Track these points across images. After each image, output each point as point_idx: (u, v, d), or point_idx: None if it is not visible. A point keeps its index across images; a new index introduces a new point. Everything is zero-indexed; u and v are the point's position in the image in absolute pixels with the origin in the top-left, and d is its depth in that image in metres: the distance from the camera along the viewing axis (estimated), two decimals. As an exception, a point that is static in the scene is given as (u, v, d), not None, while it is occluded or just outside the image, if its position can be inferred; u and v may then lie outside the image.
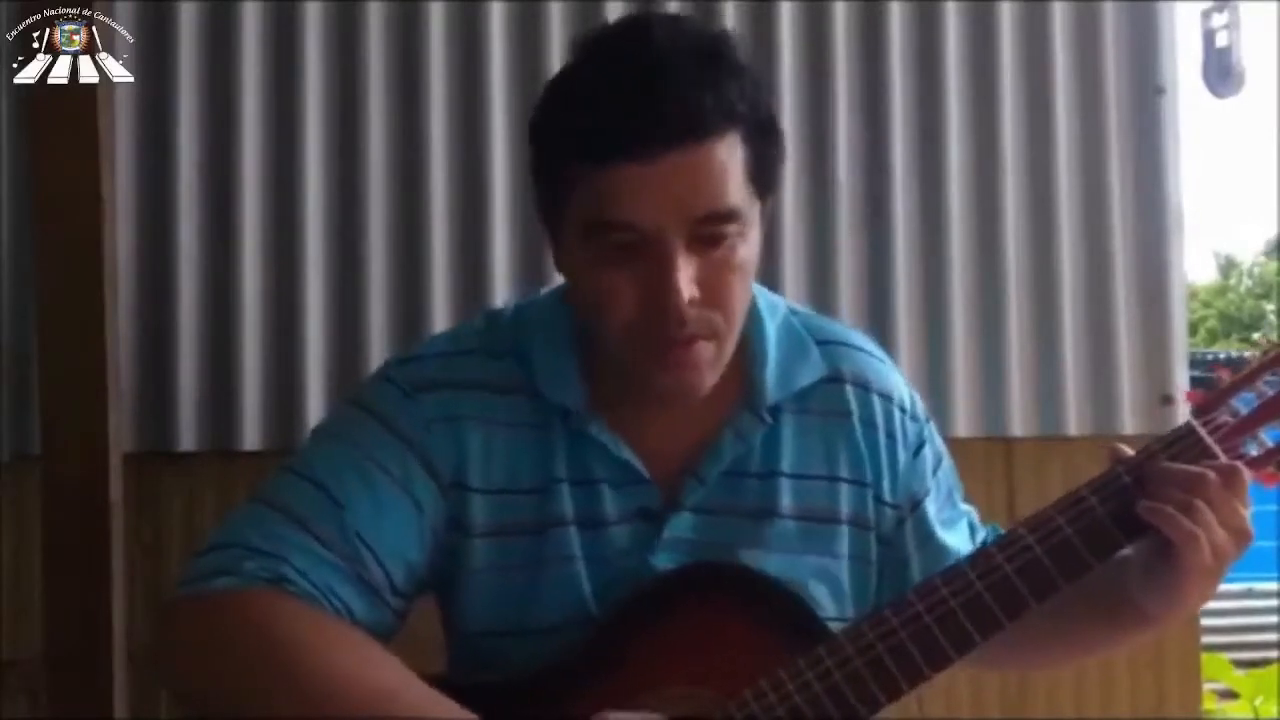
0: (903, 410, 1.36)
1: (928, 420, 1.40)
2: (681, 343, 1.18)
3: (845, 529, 1.31)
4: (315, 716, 1.11)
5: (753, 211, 1.20)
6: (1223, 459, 1.20)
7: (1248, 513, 1.19)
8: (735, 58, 1.19)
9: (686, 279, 1.15)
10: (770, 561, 1.27)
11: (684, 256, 1.15)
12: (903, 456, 1.34)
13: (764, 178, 1.21)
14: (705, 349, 1.20)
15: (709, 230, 1.16)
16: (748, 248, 1.20)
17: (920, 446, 1.37)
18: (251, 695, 1.13)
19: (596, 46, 1.20)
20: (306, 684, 1.12)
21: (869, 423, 1.33)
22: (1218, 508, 1.16)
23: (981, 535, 1.43)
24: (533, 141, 1.24)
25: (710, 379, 1.22)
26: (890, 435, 1.34)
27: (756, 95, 1.19)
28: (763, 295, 1.34)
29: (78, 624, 1.84)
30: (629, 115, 1.13)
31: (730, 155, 1.16)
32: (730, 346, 1.23)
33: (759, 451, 1.30)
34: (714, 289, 1.18)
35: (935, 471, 1.39)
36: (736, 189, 1.17)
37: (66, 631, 1.85)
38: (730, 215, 1.17)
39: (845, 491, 1.31)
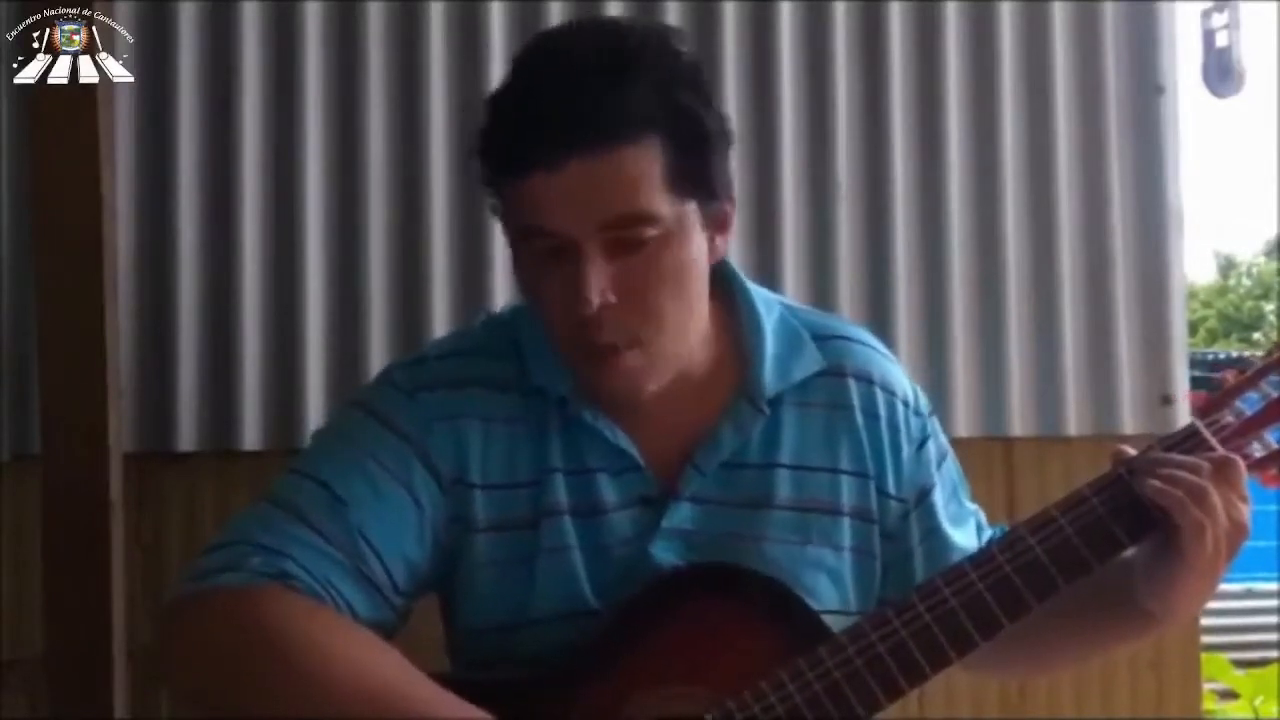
0: (906, 404, 1.36)
1: (931, 415, 1.40)
2: (602, 350, 1.20)
3: (847, 520, 1.31)
4: (321, 713, 1.11)
5: (680, 214, 1.20)
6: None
7: (1246, 509, 1.19)
8: (656, 63, 1.19)
9: (597, 285, 1.17)
10: (769, 552, 1.27)
11: (598, 262, 1.17)
12: (906, 449, 1.34)
13: (691, 179, 1.20)
14: (630, 357, 1.21)
15: (624, 234, 1.17)
16: (677, 251, 1.20)
17: (924, 440, 1.37)
18: (256, 691, 1.13)
19: (517, 63, 1.23)
20: (312, 680, 1.12)
21: (871, 415, 1.33)
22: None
23: (988, 535, 1.42)
24: (479, 160, 1.26)
25: (644, 386, 1.23)
26: (893, 428, 1.34)
27: (678, 97, 1.19)
28: (759, 295, 1.35)
29: (78, 624, 1.85)
30: (536, 125, 1.16)
31: (643, 159, 1.17)
32: (666, 351, 1.23)
33: (758, 442, 1.30)
34: (634, 293, 1.19)
35: (940, 466, 1.38)
36: (652, 192, 1.17)
37: (66, 631, 1.85)
38: (642, 218, 1.17)
39: (847, 483, 1.31)
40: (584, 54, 1.18)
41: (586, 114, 1.15)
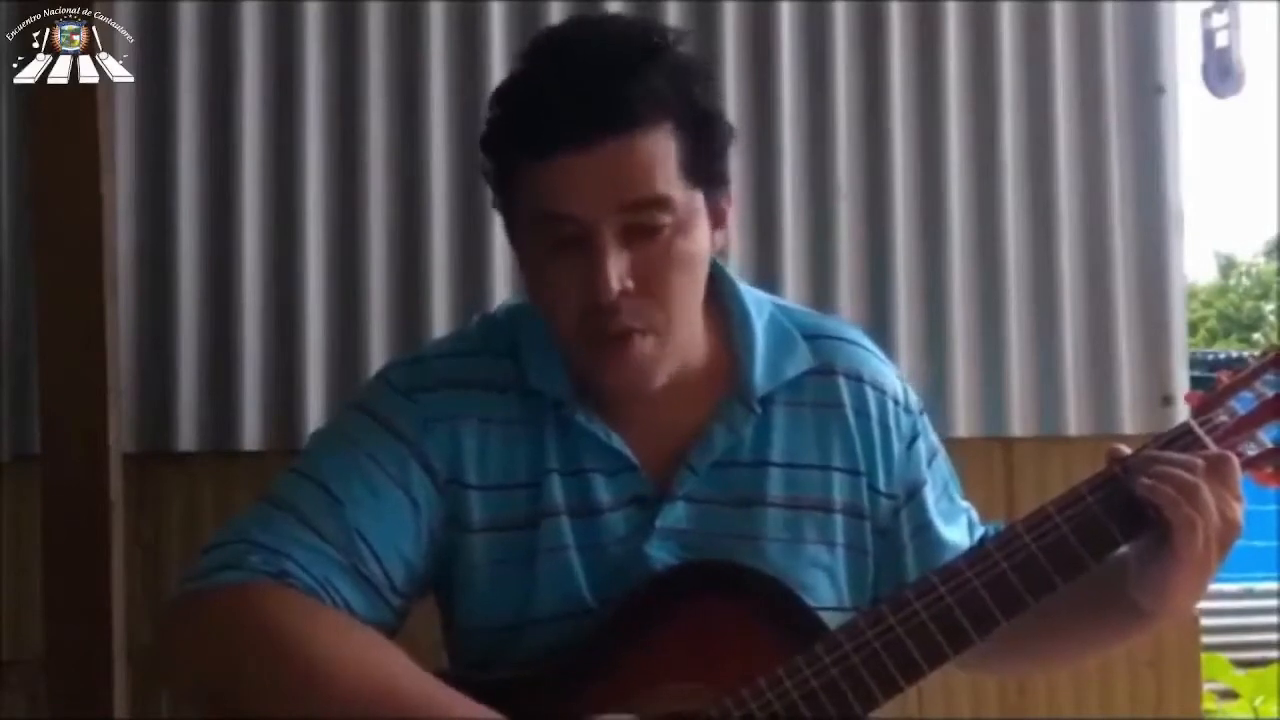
0: (896, 402, 1.37)
1: (921, 413, 1.41)
2: (617, 337, 1.20)
3: (839, 518, 1.32)
4: (324, 711, 1.11)
5: (691, 203, 1.22)
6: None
7: (1240, 506, 1.19)
8: (669, 53, 1.22)
9: (617, 270, 1.18)
10: (764, 550, 1.28)
11: (616, 248, 1.18)
12: (897, 447, 1.35)
13: (701, 169, 1.23)
14: (643, 344, 1.21)
15: (641, 219, 1.19)
16: (689, 241, 1.22)
17: (914, 438, 1.38)
18: (258, 689, 1.13)
19: (532, 50, 1.24)
20: (315, 677, 1.12)
21: (862, 413, 1.34)
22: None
23: (980, 533, 1.43)
24: (483, 150, 1.27)
25: (656, 375, 1.23)
26: (884, 426, 1.35)
27: (691, 89, 1.22)
28: (750, 294, 1.36)
29: (78, 624, 1.85)
30: (556, 108, 1.17)
31: (660, 145, 1.19)
32: (677, 341, 1.24)
33: (750, 441, 1.31)
34: (651, 281, 1.20)
35: (930, 463, 1.39)
36: (668, 178, 1.20)
37: (66, 631, 1.85)
38: (660, 203, 1.19)
39: (839, 480, 1.32)
40: (606, 42, 1.21)
41: (610, 96, 1.17)
